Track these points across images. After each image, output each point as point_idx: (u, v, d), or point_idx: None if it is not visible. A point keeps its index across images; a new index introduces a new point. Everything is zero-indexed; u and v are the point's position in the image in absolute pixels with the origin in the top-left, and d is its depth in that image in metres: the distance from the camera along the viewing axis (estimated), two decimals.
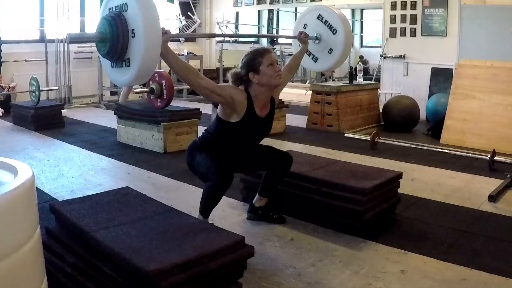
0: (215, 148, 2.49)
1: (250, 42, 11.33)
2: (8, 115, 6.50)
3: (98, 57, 2.31)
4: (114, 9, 2.19)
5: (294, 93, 7.98)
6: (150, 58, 2.11)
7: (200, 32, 10.14)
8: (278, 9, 11.57)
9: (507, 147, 4.61)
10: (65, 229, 2.04)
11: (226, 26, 10.39)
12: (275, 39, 12.08)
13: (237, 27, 11.47)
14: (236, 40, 11.10)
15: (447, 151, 4.52)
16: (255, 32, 12.33)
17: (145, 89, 4.87)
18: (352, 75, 6.42)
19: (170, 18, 9.49)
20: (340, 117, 5.85)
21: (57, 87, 7.29)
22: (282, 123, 5.74)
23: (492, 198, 3.20)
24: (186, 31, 9.59)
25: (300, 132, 5.88)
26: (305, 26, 3.52)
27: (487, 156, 4.07)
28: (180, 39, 9.67)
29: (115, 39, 2.13)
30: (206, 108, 5.60)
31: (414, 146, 4.76)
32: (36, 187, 1.69)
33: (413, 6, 7.19)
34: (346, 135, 5.28)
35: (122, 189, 2.48)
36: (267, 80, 2.43)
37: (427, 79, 7.09)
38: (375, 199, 2.65)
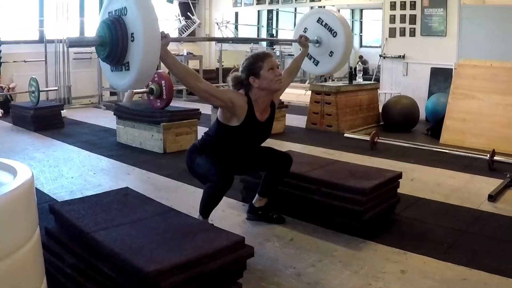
0: (215, 151, 2.49)
1: (249, 42, 11.32)
2: (8, 115, 6.50)
3: (98, 58, 2.32)
4: (113, 13, 2.18)
5: (294, 93, 7.98)
6: (150, 62, 2.11)
7: (200, 32, 10.14)
8: (278, 9, 11.58)
9: (507, 147, 4.61)
10: (65, 230, 2.04)
11: (226, 27, 10.39)
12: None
13: (236, 28, 11.46)
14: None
15: (447, 151, 4.52)
16: (254, 32, 12.32)
17: (144, 90, 4.87)
18: (352, 75, 6.41)
19: (170, 19, 9.49)
20: (340, 117, 5.85)
21: (56, 88, 7.29)
22: (281, 123, 5.74)
23: (492, 198, 3.20)
24: (185, 32, 9.59)
25: (299, 132, 5.89)
26: (305, 30, 3.53)
27: (486, 156, 4.07)
28: None
29: (114, 43, 2.13)
30: (206, 109, 5.60)
31: (414, 146, 4.76)
32: (36, 188, 1.69)
33: (413, 6, 7.20)
34: (345, 135, 5.28)
35: (122, 189, 2.48)
36: (268, 85, 2.43)
37: (426, 79, 7.10)
38: (375, 199, 2.65)
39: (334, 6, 9.13)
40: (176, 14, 9.68)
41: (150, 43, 2.07)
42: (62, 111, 6.11)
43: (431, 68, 7.04)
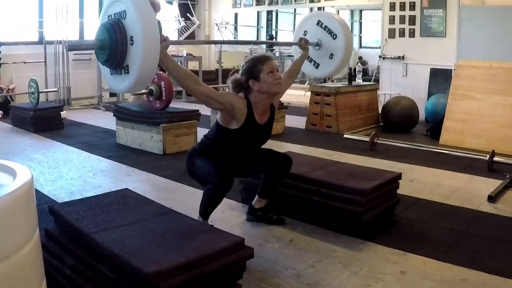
0: (215, 154, 2.49)
1: (249, 43, 11.33)
2: (7, 116, 6.49)
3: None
4: (113, 16, 2.19)
5: (293, 94, 7.97)
6: (149, 65, 2.12)
7: (199, 33, 10.15)
8: (277, 10, 11.58)
9: (506, 148, 4.61)
10: (64, 231, 2.04)
11: (225, 27, 10.40)
12: (274, 39, 12.08)
13: (236, 28, 11.47)
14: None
15: (446, 151, 4.53)
16: (254, 32, 12.33)
17: (144, 91, 4.87)
18: (351, 76, 6.42)
19: (169, 20, 9.50)
20: (339, 118, 5.85)
21: (56, 89, 7.28)
22: (281, 124, 5.74)
23: (491, 198, 3.20)
24: (185, 33, 9.60)
25: (299, 133, 5.89)
26: (305, 33, 3.53)
27: (486, 156, 4.07)
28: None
29: (113, 47, 2.13)
30: (205, 110, 5.57)
31: (413, 147, 4.76)
32: (35, 189, 1.69)
33: (412, 7, 7.21)
34: (345, 136, 5.28)
35: (121, 190, 2.49)
36: (267, 88, 2.43)
37: (426, 80, 7.11)
38: (375, 200, 2.65)
39: (333, 7, 9.14)
40: (175, 15, 9.69)
41: (149, 46, 2.07)
42: (61, 112, 6.11)
43: (431, 68, 7.04)
